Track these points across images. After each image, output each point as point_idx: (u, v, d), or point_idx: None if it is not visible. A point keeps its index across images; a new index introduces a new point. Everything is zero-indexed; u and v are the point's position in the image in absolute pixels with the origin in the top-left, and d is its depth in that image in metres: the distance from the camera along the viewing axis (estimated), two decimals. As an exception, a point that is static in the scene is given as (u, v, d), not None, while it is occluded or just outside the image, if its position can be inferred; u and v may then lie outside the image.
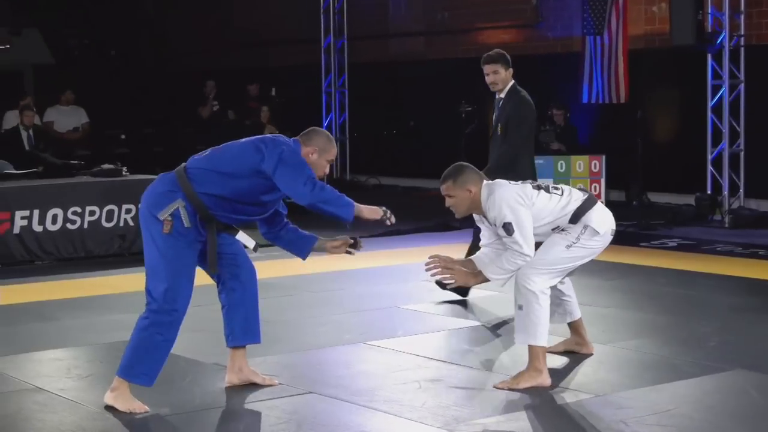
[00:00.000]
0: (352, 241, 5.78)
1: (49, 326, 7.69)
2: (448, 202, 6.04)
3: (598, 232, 6.00)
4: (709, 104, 12.61)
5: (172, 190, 5.44)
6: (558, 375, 6.09)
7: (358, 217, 5.46)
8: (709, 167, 12.65)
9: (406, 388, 5.93)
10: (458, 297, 8.28)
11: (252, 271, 5.84)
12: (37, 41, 19.19)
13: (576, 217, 5.97)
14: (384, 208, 5.54)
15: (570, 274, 6.25)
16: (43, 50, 19.29)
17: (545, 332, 5.91)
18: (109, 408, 5.49)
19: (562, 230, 6.01)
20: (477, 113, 13.92)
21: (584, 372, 6.25)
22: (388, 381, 6.10)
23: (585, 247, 6.01)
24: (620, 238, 11.36)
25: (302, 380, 6.09)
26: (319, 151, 5.60)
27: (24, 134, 13.21)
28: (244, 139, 5.64)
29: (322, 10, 16.68)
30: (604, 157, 12.72)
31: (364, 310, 8.08)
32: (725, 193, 12.50)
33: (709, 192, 12.64)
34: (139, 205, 5.56)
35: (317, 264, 9.06)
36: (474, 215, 6.16)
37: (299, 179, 5.38)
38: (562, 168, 12.83)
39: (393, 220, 5.57)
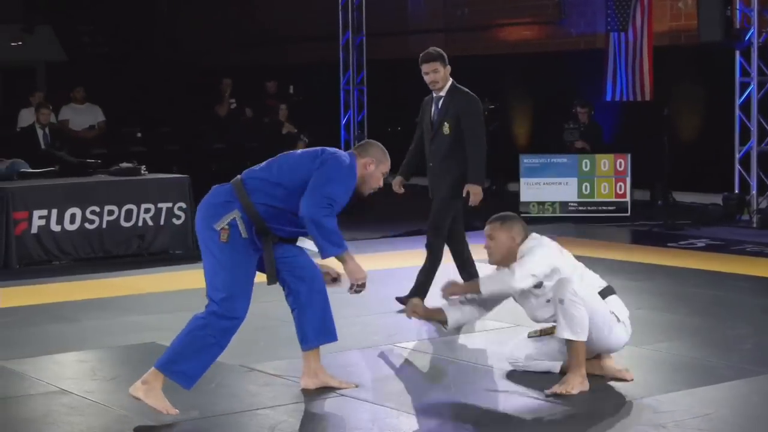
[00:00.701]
0: (336, 276, 5.72)
1: (69, 328, 7.57)
2: (488, 243, 5.98)
3: (619, 320, 5.88)
4: (737, 102, 12.42)
5: (228, 200, 5.37)
6: (592, 377, 5.96)
7: (340, 262, 5.40)
8: (737, 166, 12.45)
9: (439, 392, 5.86)
10: None
11: (315, 271, 5.71)
12: (49, 38, 19.06)
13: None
14: (364, 277, 5.44)
15: None
16: (56, 47, 19.17)
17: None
18: (135, 400, 5.31)
19: None
20: (500, 111, 13.73)
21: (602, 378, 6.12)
22: (419, 384, 6.05)
23: (614, 318, 5.89)
24: (647, 238, 11.40)
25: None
26: (376, 163, 5.59)
27: (40, 132, 13.09)
28: (302, 150, 5.61)
29: (340, 6, 16.47)
30: (629, 155, 12.52)
31: (391, 311, 7.95)
32: (753, 192, 12.30)
33: (736, 191, 12.42)
34: (195, 221, 5.47)
35: (334, 266, 8.96)
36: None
37: (321, 191, 5.31)
38: (586, 167, 12.65)
39: (357, 291, 5.52)
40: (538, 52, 15.04)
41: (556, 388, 5.66)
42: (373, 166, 5.57)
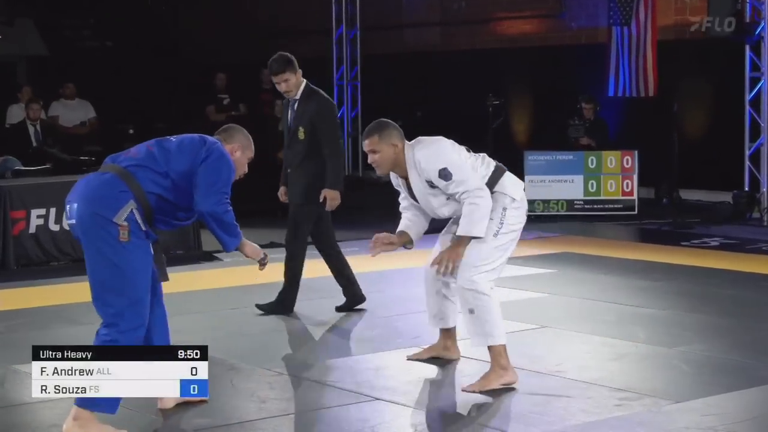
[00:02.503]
0: (263, 255, 5.45)
1: (80, 331, 7.25)
2: (372, 158, 5.97)
3: (515, 199, 5.88)
4: (747, 97, 12.24)
5: (122, 190, 4.97)
6: (630, 379, 5.97)
7: (239, 250, 5.30)
8: (747, 163, 12.26)
9: (477, 394, 5.73)
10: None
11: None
12: (30, 32, 18.61)
13: (490, 185, 5.83)
14: (265, 252, 5.38)
15: None
16: (37, 41, 18.72)
17: (503, 330, 5.83)
18: None
19: None
20: (505, 107, 13.47)
21: (657, 377, 6.07)
22: (450, 387, 5.95)
23: (510, 227, 5.87)
24: (657, 237, 11.19)
25: (366, 386, 5.92)
26: (242, 149, 5.37)
27: (31, 129, 12.76)
28: (176, 137, 5.26)
29: (333, 0, 16.19)
30: (636, 152, 12.30)
31: (411, 312, 7.74)
32: (764, 189, 12.12)
33: (746, 189, 12.22)
34: (71, 210, 5.02)
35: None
36: (392, 179, 6.09)
37: (216, 186, 5.08)
38: (592, 164, 12.41)
39: (265, 264, 5.42)
40: (537, 46, 14.79)
41: (472, 386, 5.77)
42: (239, 153, 5.33)
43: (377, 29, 16.26)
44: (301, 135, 7.60)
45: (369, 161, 6.02)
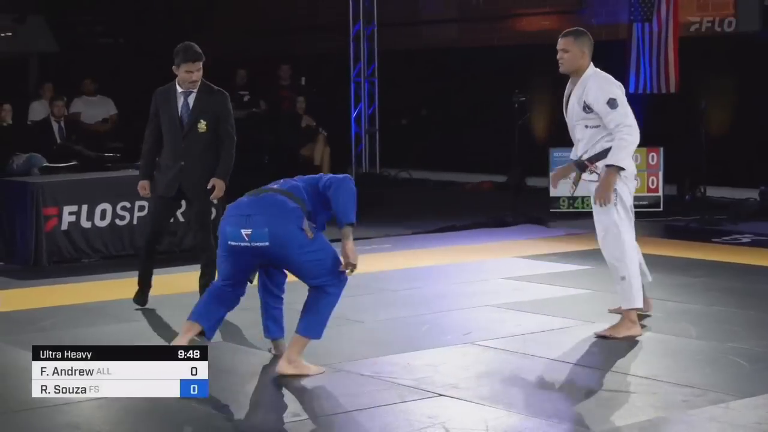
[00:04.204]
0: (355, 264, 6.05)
1: (126, 328, 7.28)
2: (561, 55, 6.77)
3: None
4: (773, 94, 12.20)
5: (297, 206, 5.88)
6: (691, 374, 5.95)
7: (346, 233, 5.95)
8: (773, 159, 12.24)
9: (541, 390, 5.82)
10: None
11: None
12: (42, 29, 18.54)
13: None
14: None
15: None
16: (49, 38, 18.65)
17: (640, 294, 6.77)
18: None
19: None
20: (530, 104, 13.40)
21: (716, 373, 6.04)
22: (518, 383, 5.92)
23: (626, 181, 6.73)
24: (689, 234, 11.14)
25: (426, 381, 5.89)
26: None
27: (55, 126, 12.67)
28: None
29: (351, -4, 16.16)
30: (662, 149, 12.25)
31: (455, 309, 7.76)
32: (791, 186, 12.09)
33: (772, 185, 12.23)
34: (266, 229, 5.80)
35: (376, 263, 9.25)
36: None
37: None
38: (617, 160, 12.34)
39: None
40: (557, 43, 14.70)
41: (604, 332, 6.70)
42: None
43: (394, 26, 16.19)
44: (203, 128, 7.57)
45: (558, 57, 6.78)
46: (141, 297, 7.79)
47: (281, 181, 6.08)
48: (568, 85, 6.88)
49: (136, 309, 7.74)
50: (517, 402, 5.55)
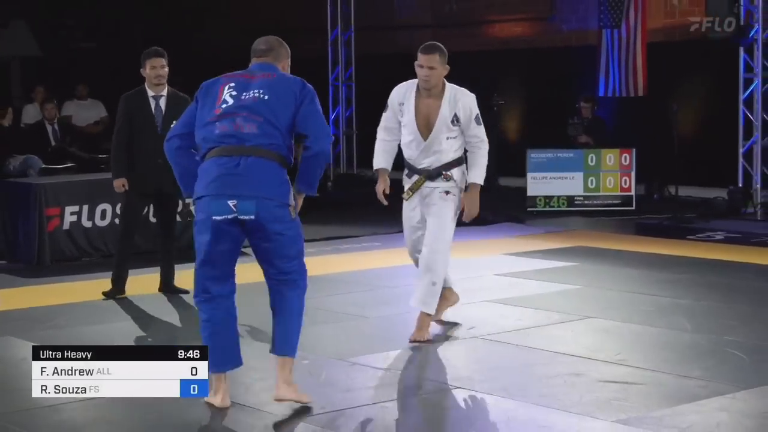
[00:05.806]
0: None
1: (133, 325, 7.47)
2: (426, 73, 6.75)
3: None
4: (741, 97, 12.61)
5: (286, 178, 5.32)
6: (692, 366, 6.07)
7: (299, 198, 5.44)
8: (741, 160, 12.67)
9: (552, 382, 5.89)
10: None
11: None
12: (24, 33, 18.62)
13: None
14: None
15: None
16: (31, 43, 18.73)
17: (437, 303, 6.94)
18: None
19: (446, 191, 6.89)
20: (502, 107, 13.78)
21: (717, 365, 6.20)
22: (529, 376, 6.06)
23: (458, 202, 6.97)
24: (663, 232, 11.51)
25: (442, 374, 6.09)
26: (288, 61, 5.71)
27: (49, 128, 12.82)
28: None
29: (329, 1, 16.39)
30: (634, 150, 12.69)
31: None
32: (757, 186, 12.52)
33: (740, 185, 12.65)
34: (248, 202, 5.17)
35: (368, 260, 9.35)
36: (397, 96, 6.95)
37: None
38: (592, 161, 12.78)
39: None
40: (529, 48, 15.13)
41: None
42: (288, 68, 5.68)
43: (370, 30, 16.47)
44: None
45: (422, 75, 6.74)
46: (115, 293, 8.16)
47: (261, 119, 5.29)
48: (419, 99, 6.88)
49: (137, 306, 7.97)
50: (533, 394, 5.63)
